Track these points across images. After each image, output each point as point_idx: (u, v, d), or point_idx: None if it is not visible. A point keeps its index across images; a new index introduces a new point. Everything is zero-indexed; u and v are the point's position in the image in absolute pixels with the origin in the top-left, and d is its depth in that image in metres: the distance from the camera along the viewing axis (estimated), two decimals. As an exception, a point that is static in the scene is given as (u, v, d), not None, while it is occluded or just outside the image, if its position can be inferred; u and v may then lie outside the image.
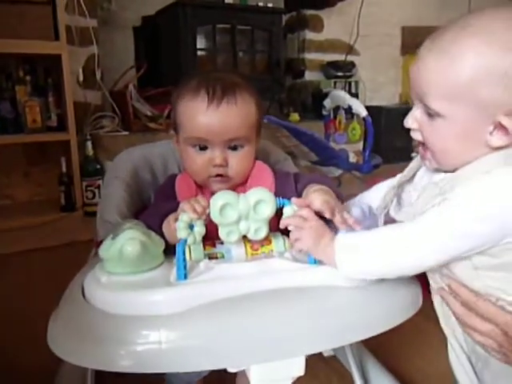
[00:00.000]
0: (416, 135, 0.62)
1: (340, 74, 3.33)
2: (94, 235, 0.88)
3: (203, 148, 0.74)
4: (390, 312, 0.58)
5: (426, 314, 0.64)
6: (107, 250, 0.57)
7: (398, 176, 0.74)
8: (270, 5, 2.86)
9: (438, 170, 0.63)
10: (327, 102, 2.46)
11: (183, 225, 0.56)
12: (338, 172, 2.33)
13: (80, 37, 2.37)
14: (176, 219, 0.59)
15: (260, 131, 0.80)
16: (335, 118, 2.51)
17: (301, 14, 3.33)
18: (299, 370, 0.56)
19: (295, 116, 2.91)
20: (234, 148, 0.75)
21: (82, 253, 1.87)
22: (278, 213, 0.63)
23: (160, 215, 0.67)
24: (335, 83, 3.31)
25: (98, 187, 2.33)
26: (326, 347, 0.53)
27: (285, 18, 3.17)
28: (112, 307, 0.53)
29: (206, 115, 0.72)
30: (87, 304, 0.56)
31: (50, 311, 0.58)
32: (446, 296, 0.61)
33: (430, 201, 0.58)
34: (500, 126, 0.54)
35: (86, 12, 2.31)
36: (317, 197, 0.64)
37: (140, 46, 2.89)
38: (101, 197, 0.87)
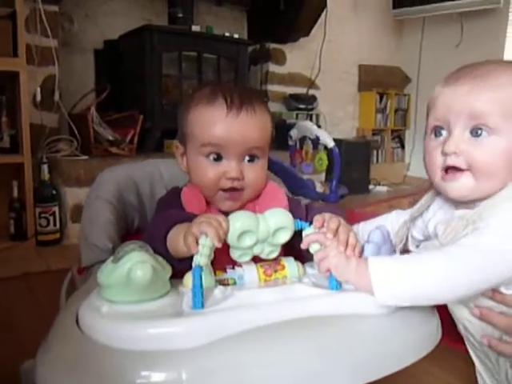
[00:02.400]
0: (457, 160, 0.61)
1: (302, 106, 3.41)
2: (74, 262, 0.79)
3: (217, 159, 0.69)
4: (421, 340, 0.54)
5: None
6: (109, 275, 0.50)
7: (409, 212, 0.74)
8: (235, 35, 2.89)
9: (456, 202, 0.64)
10: (294, 133, 2.47)
11: (206, 252, 0.50)
12: (305, 201, 2.32)
13: (40, 56, 2.26)
14: (194, 237, 0.52)
15: (271, 145, 0.76)
16: (301, 148, 2.53)
17: (264, 46, 3.40)
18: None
19: (260, 145, 2.90)
20: (251, 160, 0.71)
21: (35, 286, 1.73)
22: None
23: (168, 223, 0.60)
24: (297, 115, 3.37)
25: (53, 214, 2.19)
26: (361, 382, 0.48)
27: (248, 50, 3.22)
28: (118, 342, 0.45)
29: (224, 122, 0.67)
30: (85, 337, 0.47)
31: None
32: (495, 344, 0.61)
33: (459, 232, 0.58)
34: None
35: (49, 31, 2.22)
36: (334, 220, 0.61)
37: (101, 69, 2.81)
38: (83, 218, 0.78)
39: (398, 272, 0.53)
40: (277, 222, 0.56)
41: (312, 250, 0.58)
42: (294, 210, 0.71)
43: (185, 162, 0.75)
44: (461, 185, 0.61)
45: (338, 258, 0.56)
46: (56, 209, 2.20)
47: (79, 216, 2.33)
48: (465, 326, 0.66)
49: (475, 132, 0.60)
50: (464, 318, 0.65)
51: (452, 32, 3.86)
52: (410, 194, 3.46)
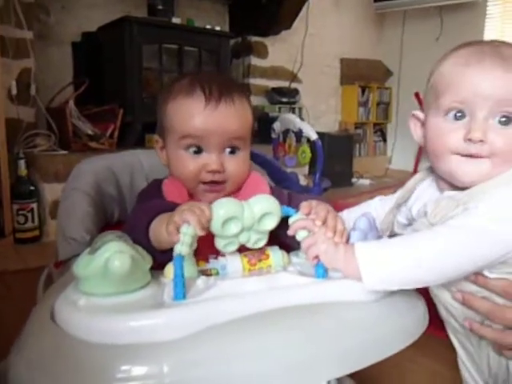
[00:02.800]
0: (481, 149, 0.58)
1: (284, 99, 3.40)
2: (51, 256, 0.76)
3: (198, 151, 0.68)
4: (408, 327, 0.53)
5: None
6: (85, 266, 0.48)
7: (395, 197, 0.73)
8: (217, 28, 2.86)
9: (445, 186, 0.64)
10: (277, 126, 2.46)
11: (188, 240, 0.48)
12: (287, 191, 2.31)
13: (15, 49, 2.19)
14: (175, 226, 0.51)
15: (253, 137, 0.74)
16: (284, 141, 2.52)
17: (246, 39, 3.37)
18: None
19: (243, 139, 2.88)
20: (232, 152, 0.69)
21: (13, 284, 1.68)
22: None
23: (151, 213, 0.58)
24: (280, 108, 3.36)
25: (32, 211, 2.13)
26: (350, 370, 0.47)
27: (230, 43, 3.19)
28: (97, 336, 0.43)
29: (203, 114, 0.66)
30: (62, 332, 0.45)
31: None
32: (477, 327, 0.61)
33: (448, 211, 0.57)
34: None
35: (24, 23, 2.15)
36: (322, 208, 0.60)
37: (79, 62, 2.74)
38: (59, 211, 0.75)
39: (386, 256, 0.53)
40: (262, 207, 0.54)
41: (299, 237, 0.56)
42: (277, 198, 0.69)
43: (164, 155, 0.73)
44: (477, 169, 0.58)
45: (327, 244, 0.54)
46: (34, 205, 2.15)
47: (59, 213, 2.26)
48: (447, 310, 0.66)
49: (504, 120, 0.57)
50: (446, 301, 0.65)
51: (432, 25, 3.90)
52: (391, 186, 3.49)
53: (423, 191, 0.69)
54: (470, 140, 0.57)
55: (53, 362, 0.42)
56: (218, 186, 0.69)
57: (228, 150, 0.69)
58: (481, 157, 0.58)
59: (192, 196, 0.70)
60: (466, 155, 0.59)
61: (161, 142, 0.73)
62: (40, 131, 2.35)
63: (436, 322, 0.70)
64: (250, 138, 0.73)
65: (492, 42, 0.61)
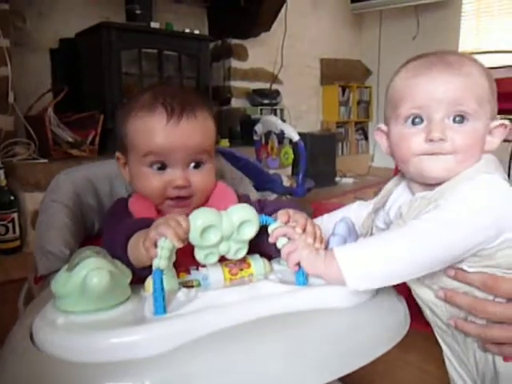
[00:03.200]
0: (443, 146, 0.62)
1: (266, 101, 3.40)
2: (30, 270, 0.75)
3: (161, 168, 0.67)
4: (390, 330, 0.54)
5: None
6: (64, 284, 0.47)
7: (372, 202, 0.75)
8: (196, 32, 2.85)
9: (417, 187, 0.66)
10: (258, 127, 2.46)
11: (165, 253, 0.48)
12: (272, 196, 2.32)
13: (-10, 56, 2.16)
14: (152, 241, 0.50)
15: (216, 145, 0.75)
16: (266, 143, 2.52)
17: (225, 42, 3.37)
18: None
19: (225, 142, 2.88)
20: (196, 166, 0.69)
21: (-5, 297, 1.65)
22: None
23: (127, 231, 0.57)
24: (261, 110, 3.37)
25: (12, 221, 2.10)
26: (334, 376, 0.47)
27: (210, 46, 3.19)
28: (76, 354, 0.43)
29: (165, 131, 0.65)
30: (40, 353, 0.45)
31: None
32: (461, 324, 0.62)
33: (422, 211, 0.60)
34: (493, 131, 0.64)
35: (0, 30, 2.12)
36: (301, 215, 0.60)
37: (58, 69, 2.71)
38: (38, 223, 0.74)
39: (364, 255, 0.54)
40: (241, 216, 0.54)
41: (279, 244, 0.56)
42: None
43: (127, 172, 0.73)
44: (442, 165, 0.62)
45: (308, 250, 0.55)
46: (15, 215, 2.11)
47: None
48: (431, 310, 0.67)
49: (458, 119, 0.62)
50: (430, 300, 0.66)
51: (408, 25, 3.95)
52: (374, 184, 3.52)
53: (399, 195, 0.71)
54: (431, 140, 0.61)
55: (32, 383, 0.42)
56: (185, 201, 0.68)
57: (192, 164, 0.68)
58: (444, 154, 0.62)
59: (160, 212, 0.69)
60: (430, 154, 0.62)
61: (123, 158, 0.73)
62: (19, 139, 2.31)
63: (420, 317, 0.71)
64: (214, 149, 0.73)
65: (436, 52, 0.66)
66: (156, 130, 0.66)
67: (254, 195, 0.90)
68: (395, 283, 0.56)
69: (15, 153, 2.26)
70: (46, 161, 2.22)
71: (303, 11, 3.81)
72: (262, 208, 0.71)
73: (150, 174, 0.67)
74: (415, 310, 0.65)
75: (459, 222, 0.55)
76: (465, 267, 0.59)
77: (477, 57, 0.67)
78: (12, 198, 2.11)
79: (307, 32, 3.90)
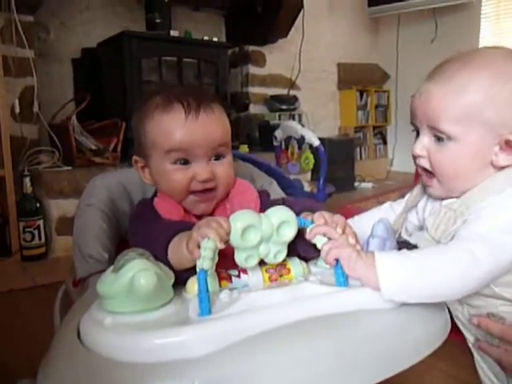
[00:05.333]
0: (423, 162, 0.64)
1: (284, 107, 3.41)
2: (67, 275, 0.76)
3: (185, 163, 0.68)
4: (432, 332, 0.53)
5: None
6: (110, 285, 0.48)
7: (402, 202, 0.75)
8: (215, 39, 2.88)
9: (439, 198, 0.66)
10: (278, 133, 2.47)
11: (209, 254, 0.48)
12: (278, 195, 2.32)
13: (17, 67, 2.21)
14: (195, 243, 0.51)
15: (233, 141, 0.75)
16: (286, 148, 2.53)
17: (243, 49, 3.40)
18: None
19: (245, 148, 2.89)
20: (217, 158, 0.70)
21: (21, 302, 1.68)
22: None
23: (167, 236, 0.58)
24: (279, 116, 3.37)
25: (38, 228, 2.14)
26: (379, 378, 0.47)
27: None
28: (125, 354, 0.43)
29: (185, 126, 0.66)
30: (89, 352, 0.45)
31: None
32: (482, 345, 0.63)
33: (449, 225, 0.59)
34: (505, 146, 0.59)
35: (25, 41, 2.17)
36: (339, 217, 0.60)
37: (80, 78, 2.77)
38: (75, 228, 0.76)
39: (406, 269, 0.53)
40: (279, 216, 0.54)
41: (319, 243, 0.56)
42: (265, 202, 0.71)
43: (147, 174, 0.73)
44: (433, 189, 0.65)
45: (350, 250, 0.54)
46: (40, 222, 2.15)
47: (65, 228, 2.28)
48: (462, 323, 0.67)
49: (437, 138, 0.62)
50: (461, 315, 0.66)
51: (426, 28, 3.92)
52: (396, 188, 3.49)
53: (427, 198, 0.70)
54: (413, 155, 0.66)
55: (81, 381, 0.43)
56: (209, 194, 0.69)
57: (214, 157, 0.69)
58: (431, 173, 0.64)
59: (185, 210, 0.70)
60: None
61: (141, 161, 0.74)
62: (43, 148, 2.36)
63: (452, 325, 0.70)
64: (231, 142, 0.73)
65: (444, 63, 0.64)
66: (176, 126, 0.66)
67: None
68: (430, 302, 0.54)
69: (40, 161, 2.31)
70: (69, 168, 2.27)
71: (320, 16, 3.82)
72: (288, 207, 0.72)
73: (175, 171, 0.68)
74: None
75: (502, 242, 0.54)
76: (492, 286, 0.58)
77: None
78: (37, 205, 2.15)
79: (324, 37, 3.90)
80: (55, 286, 0.90)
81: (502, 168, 0.61)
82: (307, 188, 2.36)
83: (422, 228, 0.70)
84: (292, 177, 2.46)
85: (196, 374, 0.41)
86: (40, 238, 2.15)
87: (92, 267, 0.67)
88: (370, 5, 4.00)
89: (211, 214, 0.70)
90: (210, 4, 3.19)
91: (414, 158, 0.66)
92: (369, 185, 3.80)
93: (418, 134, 0.66)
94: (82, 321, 0.49)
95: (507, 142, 0.59)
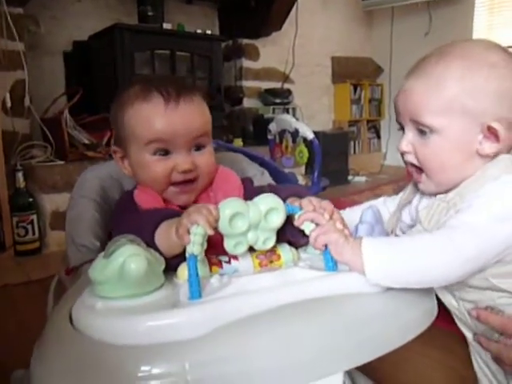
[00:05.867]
0: (410, 158, 0.65)
1: (278, 100, 3.41)
2: (60, 264, 0.76)
3: (165, 154, 0.67)
4: (418, 316, 0.54)
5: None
6: (101, 271, 0.48)
7: (398, 198, 0.75)
8: (208, 32, 2.87)
9: (432, 194, 0.66)
10: (272, 126, 2.47)
11: (198, 239, 0.49)
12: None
13: (7, 60, 2.19)
14: (185, 229, 0.51)
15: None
16: (280, 142, 2.53)
17: (237, 42, 3.38)
18: (338, 388, 0.50)
19: (239, 141, 2.89)
20: (198, 149, 0.70)
21: (15, 297, 1.67)
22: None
23: (154, 223, 0.58)
24: (274, 110, 3.37)
25: (32, 223, 2.13)
26: (365, 360, 0.48)
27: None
28: (116, 337, 0.44)
29: (165, 116, 0.65)
30: (81, 335, 0.46)
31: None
32: (482, 340, 0.63)
33: (442, 216, 0.60)
34: (489, 134, 0.60)
35: (16, 34, 2.15)
36: (327, 203, 0.60)
37: (71, 71, 2.74)
38: (67, 219, 0.76)
39: (391, 254, 0.53)
40: (267, 203, 0.55)
41: (307, 229, 0.57)
42: (249, 189, 0.71)
43: (126, 164, 0.73)
44: (423, 185, 0.65)
45: (337, 235, 0.55)
46: (34, 217, 2.14)
47: (59, 223, 2.26)
48: (457, 316, 0.68)
49: (421, 132, 0.62)
50: (455, 308, 0.67)
51: (420, 21, 3.93)
52: (387, 182, 3.50)
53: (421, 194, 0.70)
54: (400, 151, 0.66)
55: (75, 365, 0.43)
56: (190, 185, 0.69)
57: (194, 148, 0.69)
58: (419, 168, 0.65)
59: (165, 201, 0.69)
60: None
61: (120, 151, 0.73)
62: (36, 142, 2.35)
63: (445, 315, 0.71)
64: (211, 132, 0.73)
65: (424, 58, 0.65)
66: (156, 116, 0.65)
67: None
68: (415, 287, 0.54)
69: (32, 155, 2.29)
70: (62, 162, 2.25)
71: (314, 10, 3.81)
72: (274, 193, 0.72)
73: (155, 162, 0.67)
74: (440, 307, 0.64)
75: (485, 227, 0.54)
76: (489, 277, 0.59)
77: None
78: (31, 199, 2.14)
79: (318, 31, 3.89)
80: (49, 281, 0.90)
81: (488, 157, 0.61)
82: (301, 181, 2.37)
83: (414, 226, 0.70)
84: (286, 170, 2.46)
85: (186, 356, 0.42)
86: (34, 233, 2.14)
87: (84, 256, 0.67)
88: (363, -2, 4.00)
89: (195, 202, 0.70)
90: (203, -3, 3.17)
91: (402, 155, 0.66)
92: (362, 178, 3.81)
93: (404, 132, 0.66)
94: (74, 306, 0.50)
95: (489, 129, 0.59)
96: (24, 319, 1.48)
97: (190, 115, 0.67)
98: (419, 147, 0.63)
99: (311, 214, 0.57)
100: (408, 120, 0.63)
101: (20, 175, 2.10)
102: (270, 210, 0.55)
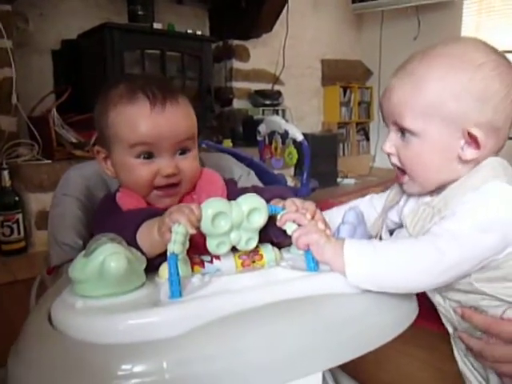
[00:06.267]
0: (394, 160, 0.65)
1: (268, 102, 3.41)
2: (42, 263, 0.75)
3: (149, 157, 0.67)
4: (398, 317, 0.55)
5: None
6: (81, 269, 0.48)
7: (382, 198, 0.75)
8: (198, 32, 2.86)
9: (416, 194, 0.66)
10: (262, 128, 2.47)
11: (180, 238, 0.49)
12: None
13: (-6, 58, 2.17)
14: (167, 227, 0.51)
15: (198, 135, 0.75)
16: (270, 143, 2.53)
17: (227, 43, 3.38)
18: (317, 388, 0.50)
19: (228, 142, 2.89)
20: (182, 153, 0.69)
21: (1, 297, 1.65)
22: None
23: (135, 223, 0.57)
24: (263, 111, 3.38)
25: (17, 222, 2.10)
26: (345, 359, 0.48)
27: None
28: (95, 336, 0.44)
29: (150, 119, 0.65)
30: (60, 335, 0.45)
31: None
32: (463, 336, 0.64)
33: (427, 222, 0.59)
34: (470, 141, 0.59)
35: (3, 31, 2.13)
36: (310, 204, 0.61)
37: (60, 70, 2.72)
38: (50, 217, 0.75)
39: (373, 257, 0.53)
40: (250, 203, 0.55)
41: (289, 229, 0.57)
42: (232, 190, 0.71)
43: (110, 165, 0.72)
44: (407, 186, 0.65)
45: (319, 235, 0.55)
46: (20, 216, 2.11)
47: (45, 223, 2.23)
48: (444, 315, 0.69)
49: (403, 134, 0.62)
50: (442, 306, 0.67)
51: (409, 25, 3.97)
52: (376, 184, 3.52)
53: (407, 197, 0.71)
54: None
55: (52, 363, 0.43)
56: (173, 189, 0.68)
57: (179, 151, 0.68)
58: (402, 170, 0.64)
59: (149, 204, 0.69)
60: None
61: (103, 152, 0.72)
62: (22, 141, 2.32)
63: (429, 314, 0.71)
64: (197, 136, 0.73)
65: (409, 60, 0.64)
66: (141, 118, 0.64)
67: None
68: (394, 292, 0.54)
69: (18, 154, 2.26)
70: (49, 161, 2.23)
71: (304, 12, 3.83)
72: (258, 195, 0.72)
73: (138, 165, 0.66)
74: (424, 306, 0.64)
75: (467, 236, 0.54)
76: (473, 282, 0.59)
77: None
78: (16, 198, 2.12)
79: (308, 33, 3.91)
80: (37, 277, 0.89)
81: (472, 162, 0.60)
82: (290, 183, 2.38)
83: (401, 226, 0.71)
84: (275, 171, 2.47)
85: (164, 354, 0.42)
86: (19, 233, 2.12)
87: (67, 255, 0.66)
88: (353, 1, 4.02)
89: (179, 203, 0.69)
90: (193, -3, 3.17)
91: (388, 156, 0.66)
92: (351, 181, 3.83)
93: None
94: (53, 305, 0.49)
95: (470, 135, 0.58)
96: (9, 319, 1.46)
97: (175, 118, 0.66)
98: (401, 149, 0.63)
99: (293, 214, 0.57)
100: (391, 121, 0.63)
101: (6, 174, 2.08)
102: (252, 209, 0.55)
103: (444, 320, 0.70)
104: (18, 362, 0.45)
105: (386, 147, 0.64)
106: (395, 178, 0.71)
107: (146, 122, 0.64)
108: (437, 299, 0.67)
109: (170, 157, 0.67)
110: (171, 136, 0.66)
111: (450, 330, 0.69)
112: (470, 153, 0.59)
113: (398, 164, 0.64)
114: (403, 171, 0.65)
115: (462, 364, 0.72)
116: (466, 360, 0.71)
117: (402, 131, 0.62)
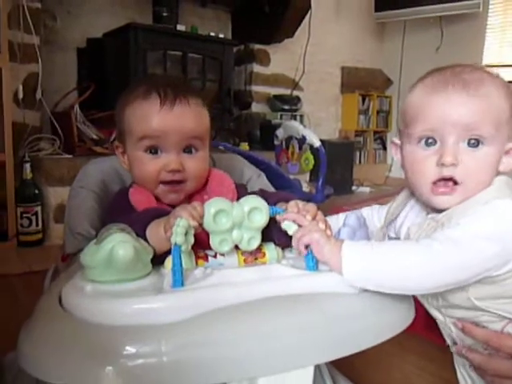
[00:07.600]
0: (452, 171, 0.61)
1: (286, 107, 3.43)
2: (58, 251, 0.79)
3: (155, 152, 0.71)
4: (394, 318, 0.56)
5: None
6: (92, 256, 0.51)
7: (385, 211, 0.75)
8: (221, 35, 2.91)
9: (442, 209, 0.64)
10: (280, 132, 2.49)
11: (181, 230, 0.51)
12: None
13: (22, 53, 2.24)
14: (172, 224, 0.54)
15: (211, 138, 0.77)
16: (287, 148, 2.55)
17: (248, 47, 3.42)
18: (307, 381, 0.52)
19: (245, 145, 2.92)
20: (189, 151, 0.72)
21: (16, 287, 1.69)
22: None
23: (144, 222, 0.60)
24: (281, 116, 3.40)
25: (36, 214, 2.16)
26: (336, 356, 0.50)
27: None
28: (101, 318, 0.47)
29: (159, 115, 0.69)
30: (70, 316, 0.48)
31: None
32: (466, 351, 0.64)
33: (429, 233, 0.60)
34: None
35: (32, 27, 2.20)
36: (311, 206, 0.63)
37: (84, 67, 2.79)
38: (67, 208, 0.79)
39: (370, 256, 0.55)
40: (250, 203, 0.58)
41: (290, 230, 0.59)
42: (242, 194, 0.72)
43: (126, 159, 0.76)
44: (453, 198, 0.61)
45: (319, 234, 0.56)
46: (38, 209, 2.17)
47: (63, 216, 2.28)
48: (444, 329, 0.69)
49: (473, 143, 0.60)
50: (440, 321, 0.68)
51: (432, 36, 3.95)
52: (391, 194, 3.50)
53: (410, 209, 0.71)
54: (442, 164, 0.60)
55: (60, 342, 0.46)
56: (178, 185, 0.71)
57: (186, 149, 0.72)
58: (454, 182, 0.61)
59: (159, 200, 0.72)
60: (440, 179, 0.61)
61: (121, 147, 0.77)
62: (44, 135, 2.39)
63: (426, 323, 0.72)
64: (209, 139, 0.76)
65: (455, 68, 0.63)
66: (150, 114, 0.69)
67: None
68: (390, 291, 0.55)
69: (40, 148, 2.33)
70: (70, 156, 2.29)
71: (327, 19, 3.85)
72: (264, 198, 0.74)
73: (145, 159, 0.71)
74: (422, 315, 0.65)
75: (466, 247, 0.54)
76: (472, 298, 0.60)
77: (500, 70, 0.66)
78: (36, 191, 2.18)
79: (329, 39, 3.93)
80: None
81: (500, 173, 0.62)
82: (306, 188, 2.38)
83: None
84: (291, 176, 2.48)
85: (162, 337, 0.44)
86: (37, 225, 2.17)
87: (80, 243, 0.69)
88: (376, 10, 4.03)
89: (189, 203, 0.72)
90: (217, 0, 3.21)
91: (441, 165, 0.61)
92: (366, 189, 3.82)
93: (426, 143, 0.63)
94: (64, 287, 0.52)
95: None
96: (23, 309, 1.49)
97: (183, 116, 0.70)
98: (468, 159, 0.60)
99: (293, 214, 0.60)
100: (459, 133, 0.60)
101: (27, 166, 2.14)
102: (252, 209, 0.58)
103: (445, 335, 0.71)
104: (28, 340, 0.48)
105: (449, 159, 0.60)
106: (399, 190, 0.72)
107: (154, 117, 0.69)
108: (437, 315, 0.68)
109: (176, 153, 0.71)
110: (177, 132, 0.70)
111: (449, 342, 0.70)
112: (507, 163, 0.63)
113: (458, 175, 0.61)
114: (454, 183, 0.61)
115: (461, 378, 0.73)
116: (464, 372, 0.71)
117: (474, 141, 0.60)
